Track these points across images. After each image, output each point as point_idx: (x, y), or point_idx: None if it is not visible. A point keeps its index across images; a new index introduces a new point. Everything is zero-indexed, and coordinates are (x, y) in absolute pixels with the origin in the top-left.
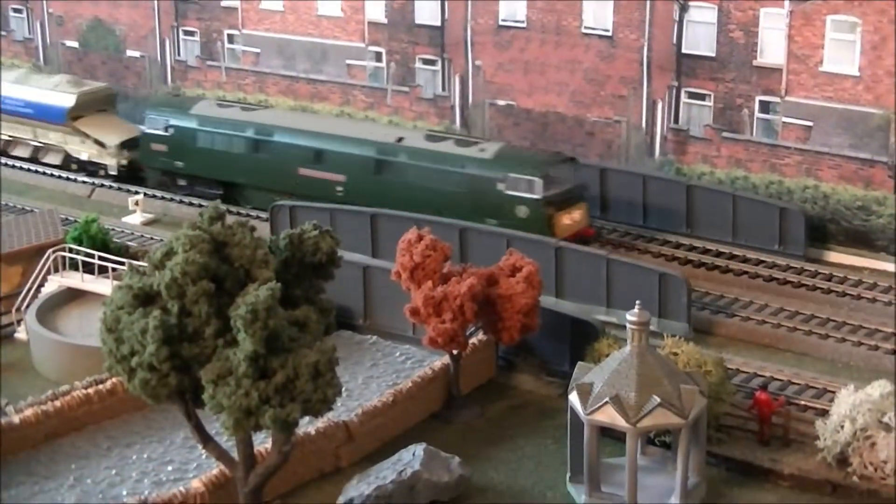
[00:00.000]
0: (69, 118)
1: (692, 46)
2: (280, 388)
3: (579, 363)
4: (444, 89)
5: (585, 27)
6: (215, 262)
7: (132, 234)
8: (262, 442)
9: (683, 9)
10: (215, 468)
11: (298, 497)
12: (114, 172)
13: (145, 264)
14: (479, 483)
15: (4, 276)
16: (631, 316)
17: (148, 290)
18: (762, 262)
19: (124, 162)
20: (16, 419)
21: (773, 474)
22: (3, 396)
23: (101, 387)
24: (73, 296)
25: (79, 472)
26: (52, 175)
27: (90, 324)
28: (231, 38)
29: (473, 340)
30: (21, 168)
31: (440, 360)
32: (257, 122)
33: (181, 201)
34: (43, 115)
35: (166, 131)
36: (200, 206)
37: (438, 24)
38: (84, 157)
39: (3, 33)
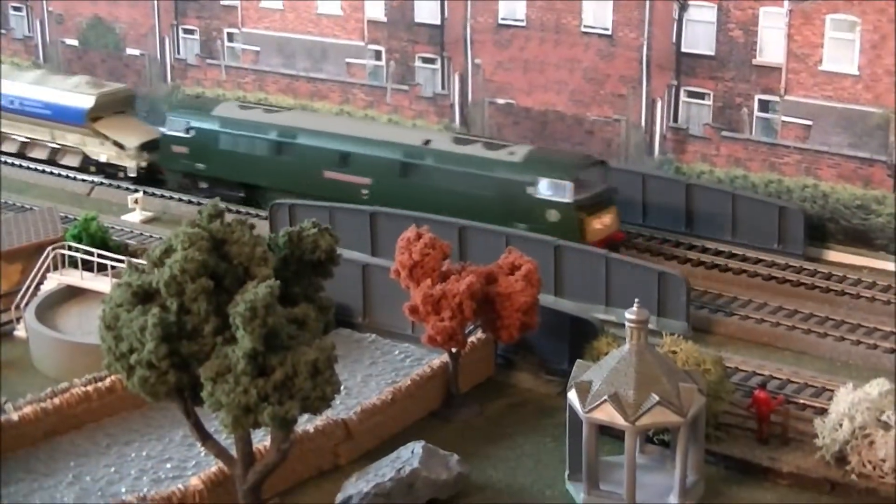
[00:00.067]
0: (88, 119)
1: (692, 45)
2: (279, 385)
3: (578, 361)
4: (443, 88)
5: (585, 26)
6: (214, 260)
7: (131, 231)
8: (261, 440)
9: (683, 8)
10: (214, 466)
11: (297, 495)
12: (133, 175)
13: (144, 262)
14: (478, 481)
15: (4, 273)
16: (630, 314)
17: (147, 288)
18: (761, 260)
19: (144, 164)
20: (15, 417)
21: (772, 473)
22: (2, 394)
23: (100, 384)
24: (72, 293)
25: (78, 470)
26: (51, 173)
27: (89, 321)
28: (231, 37)
29: (472, 339)
30: (20, 167)
31: (439, 359)
32: (281, 124)
33: (180, 199)
34: (61, 116)
35: (187, 133)
36: (199, 204)
37: (438, 22)
38: (103, 159)
39: (3, 31)
